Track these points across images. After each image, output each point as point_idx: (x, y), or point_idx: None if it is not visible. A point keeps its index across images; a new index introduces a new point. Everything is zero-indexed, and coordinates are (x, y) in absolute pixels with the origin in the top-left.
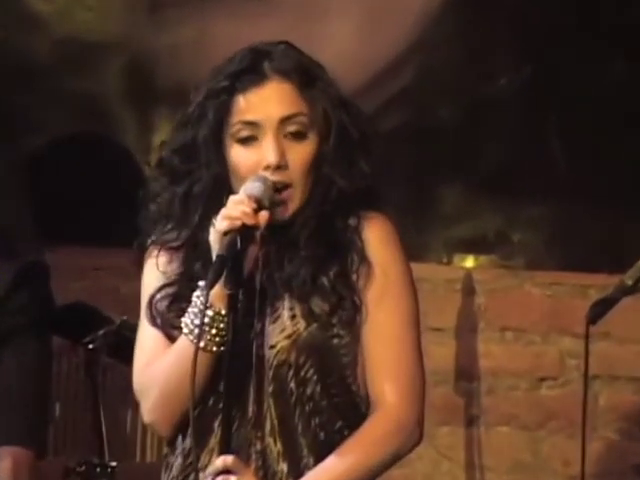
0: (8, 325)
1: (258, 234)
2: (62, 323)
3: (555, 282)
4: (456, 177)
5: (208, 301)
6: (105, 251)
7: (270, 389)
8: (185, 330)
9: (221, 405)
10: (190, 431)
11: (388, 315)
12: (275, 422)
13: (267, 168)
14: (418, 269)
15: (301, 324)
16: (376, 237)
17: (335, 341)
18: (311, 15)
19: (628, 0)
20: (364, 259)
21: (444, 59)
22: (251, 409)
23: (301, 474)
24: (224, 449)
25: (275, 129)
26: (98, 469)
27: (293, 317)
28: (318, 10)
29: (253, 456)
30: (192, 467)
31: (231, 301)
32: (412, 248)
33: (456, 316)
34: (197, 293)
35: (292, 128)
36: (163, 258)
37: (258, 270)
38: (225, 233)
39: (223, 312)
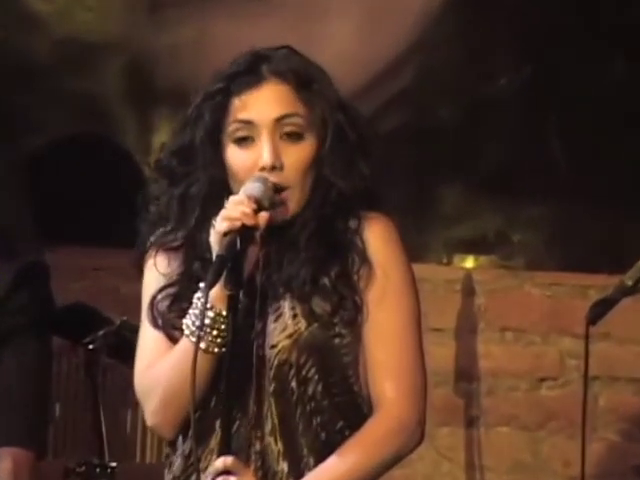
0: (8, 325)
1: (258, 235)
2: (62, 323)
3: (555, 282)
4: (456, 177)
5: (209, 302)
6: (105, 251)
7: (271, 389)
8: (186, 331)
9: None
10: (191, 432)
11: (389, 315)
12: (276, 422)
13: (262, 169)
14: (418, 269)
15: (302, 324)
16: (377, 237)
17: (336, 341)
18: (311, 15)
19: (628, 0)
20: (365, 260)
21: (444, 59)
22: (251, 409)
23: (301, 474)
24: (224, 450)
25: (270, 130)
26: (98, 469)
27: (295, 316)
28: (318, 10)
29: (252, 457)
30: (193, 468)
31: (231, 302)
32: (412, 248)
33: (456, 316)
34: (198, 294)
35: (288, 129)
36: (163, 260)
37: (258, 271)
38: (225, 234)
39: (224, 313)
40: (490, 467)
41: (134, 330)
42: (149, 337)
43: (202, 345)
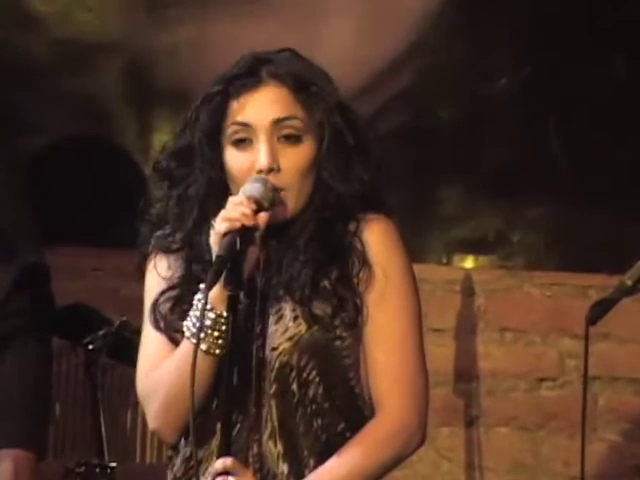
0: (8, 327)
1: (258, 235)
2: (62, 324)
3: (555, 283)
4: (456, 177)
5: (209, 303)
6: (105, 252)
7: (272, 391)
8: (187, 333)
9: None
10: (191, 434)
11: (390, 317)
12: (275, 424)
13: (259, 172)
14: (418, 270)
15: (303, 326)
16: (376, 239)
17: (337, 343)
18: (311, 15)
19: (628, 0)
20: (365, 262)
21: (444, 59)
22: (251, 412)
23: (302, 476)
24: (224, 453)
25: (268, 132)
26: (97, 470)
27: (295, 318)
28: (318, 10)
29: (250, 459)
30: (193, 471)
31: (232, 302)
32: (412, 248)
33: (456, 317)
34: (198, 296)
35: (286, 131)
36: (163, 263)
37: (259, 272)
38: (224, 234)
39: (224, 314)
40: (490, 467)
41: (134, 330)
42: (151, 340)
43: (203, 347)
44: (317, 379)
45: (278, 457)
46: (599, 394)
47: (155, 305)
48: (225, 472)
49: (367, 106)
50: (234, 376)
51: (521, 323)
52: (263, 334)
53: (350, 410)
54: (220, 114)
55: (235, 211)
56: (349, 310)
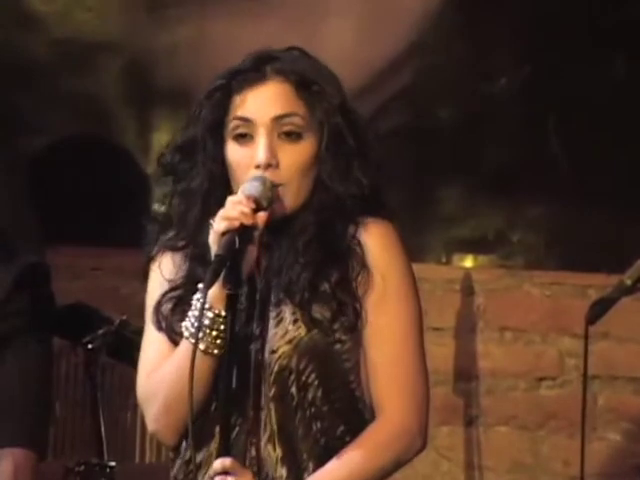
0: (9, 327)
1: (257, 235)
2: (61, 323)
3: (554, 282)
4: (456, 177)
5: (207, 303)
6: (104, 251)
7: (271, 394)
8: (186, 334)
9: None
10: (190, 437)
11: (389, 319)
12: (275, 427)
13: (257, 167)
14: (417, 269)
15: (303, 329)
16: (375, 243)
17: (337, 346)
18: (311, 14)
19: (628, 0)
20: (364, 266)
21: (444, 59)
22: (250, 415)
23: (301, 479)
24: (222, 456)
25: (268, 128)
26: (97, 469)
27: (295, 321)
28: (318, 10)
29: (248, 463)
30: (192, 475)
31: (231, 301)
32: (411, 248)
33: (455, 316)
34: (197, 296)
35: (286, 128)
36: (168, 263)
37: (258, 272)
38: (223, 233)
39: (223, 314)
40: (489, 467)
41: (133, 330)
42: (152, 342)
43: (201, 346)
44: (316, 382)
45: (277, 461)
46: (599, 393)
47: (158, 306)
48: (224, 472)
49: (367, 106)
50: (233, 379)
51: (521, 322)
52: (263, 337)
53: (350, 413)
54: (223, 108)
55: (234, 210)
56: (348, 314)
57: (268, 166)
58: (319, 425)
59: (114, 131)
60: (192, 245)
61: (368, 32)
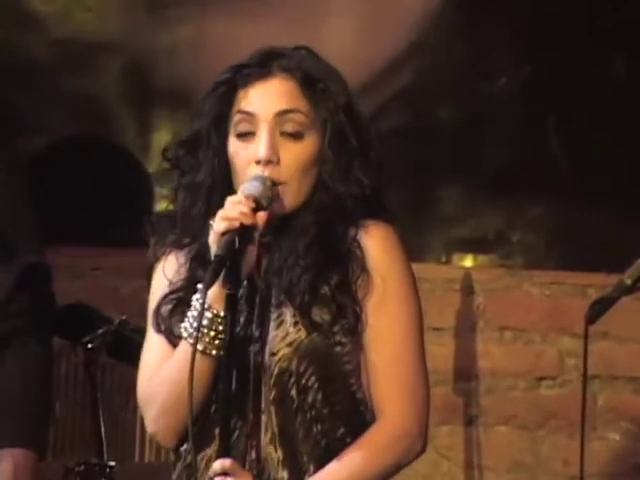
0: (9, 328)
1: (257, 235)
2: (61, 323)
3: (554, 282)
4: (456, 177)
5: (206, 303)
6: (104, 251)
7: (271, 396)
8: (184, 334)
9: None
10: (190, 440)
11: (389, 321)
12: (275, 430)
13: (258, 163)
14: (417, 269)
15: (303, 332)
16: (376, 246)
17: (337, 349)
18: (311, 14)
19: (628, 0)
20: (364, 269)
21: (444, 59)
22: (250, 417)
23: None
24: (222, 457)
25: (270, 124)
26: (97, 469)
27: (296, 324)
28: (318, 10)
29: (248, 465)
30: (193, 478)
31: (230, 301)
32: (411, 248)
33: (455, 316)
34: (196, 296)
35: (288, 125)
36: (173, 263)
37: (258, 272)
38: (223, 234)
39: (222, 314)
40: (489, 466)
41: (133, 329)
42: (153, 345)
43: (199, 347)
44: (316, 385)
45: (278, 463)
46: (598, 393)
47: (157, 309)
48: (224, 473)
49: (367, 106)
50: (233, 381)
51: (520, 322)
52: (262, 338)
53: (351, 415)
54: (227, 102)
55: (233, 210)
56: (348, 317)
57: (268, 162)
58: (319, 427)
59: (114, 131)
60: (195, 243)
61: (368, 32)
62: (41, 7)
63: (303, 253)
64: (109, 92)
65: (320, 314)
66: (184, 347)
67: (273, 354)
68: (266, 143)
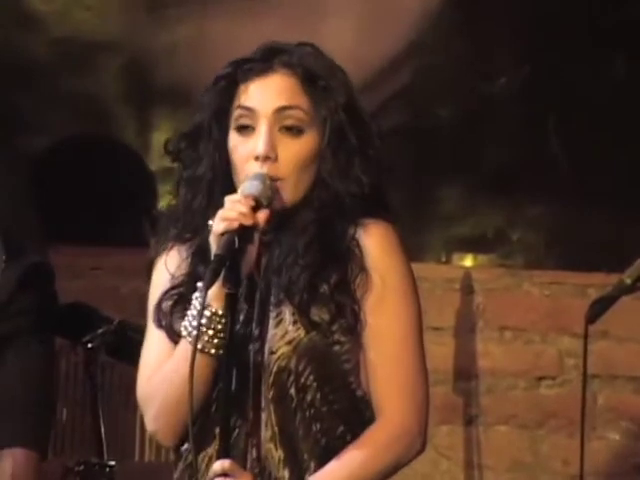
0: (12, 327)
1: (257, 234)
2: (61, 323)
3: (554, 281)
4: (456, 176)
5: (206, 302)
6: (104, 251)
7: (270, 395)
8: (184, 333)
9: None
10: (190, 440)
11: (388, 320)
12: (276, 429)
13: (256, 159)
14: (417, 268)
15: (302, 330)
16: (375, 245)
17: (336, 348)
18: (310, 14)
19: (628, 0)
20: (363, 269)
21: (443, 58)
22: (249, 416)
23: None
24: (222, 457)
25: (270, 120)
26: (97, 468)
27: (295, 322)
28: (318, 9)
29: (249, 464)
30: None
31: (230, 300)
32: (411, 247)
33: (455, 315)
34: (196, 294)
35: (288, 121)
36: (174, 257)
37: (257, 271)
38: (222, 234)
39: (220, 312)
40: (489, 466)
41: (133, 329)
42: (153, 344)
43: (198, 345)
44: (315, 384)
45: (279, 461)
46: (598, 392)
47: (159, 304)
48: (223, 474)
49: (366, 105)
50: (233, 380)
51: (520, 322)
52: (262, 337)
53: (350, 414)
54: (228, 96)
55: (232, 210)
56: (347, 316)
57: (267, 158)
58: (319, 426)
59: (114, 131)
60: (196, 238)
61: (367, 31)
62: (41, 7)
63: (302, 252)
64: (109, 92)
65: (319, 313)
66: (184, 346)
67: (272, 352)
68: (264, 139)
